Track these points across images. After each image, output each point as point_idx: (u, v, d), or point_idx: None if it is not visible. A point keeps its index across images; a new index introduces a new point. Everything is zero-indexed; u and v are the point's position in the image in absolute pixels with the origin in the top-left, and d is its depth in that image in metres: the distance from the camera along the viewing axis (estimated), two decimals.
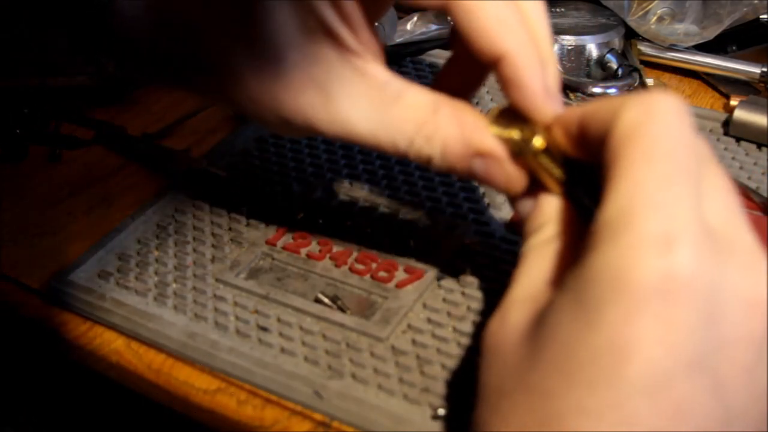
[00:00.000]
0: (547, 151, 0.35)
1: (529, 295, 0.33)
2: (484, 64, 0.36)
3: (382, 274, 0.45)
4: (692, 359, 0.27)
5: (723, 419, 0.28)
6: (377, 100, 0.36)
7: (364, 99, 0.36)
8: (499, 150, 0.36)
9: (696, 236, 0.27)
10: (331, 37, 0.36)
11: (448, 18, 0.65)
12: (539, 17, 0.37)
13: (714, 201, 0.30)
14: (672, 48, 0.64)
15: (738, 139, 0.55)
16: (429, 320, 0.42)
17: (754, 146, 0.55)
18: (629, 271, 0.27)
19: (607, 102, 0.32)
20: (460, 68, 0.41)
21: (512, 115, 0.36)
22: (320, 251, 0.47)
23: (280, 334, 0.42)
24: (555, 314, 0.29)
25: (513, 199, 0.37)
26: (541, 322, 0.30)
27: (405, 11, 0.68)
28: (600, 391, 0.27)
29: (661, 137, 0.29)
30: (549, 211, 0.35)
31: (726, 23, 0.62)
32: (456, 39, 0.39)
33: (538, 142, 0.35)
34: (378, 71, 0.37)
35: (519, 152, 0.36)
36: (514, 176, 0.36)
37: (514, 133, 0.35)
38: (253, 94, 0.38)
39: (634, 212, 0.28)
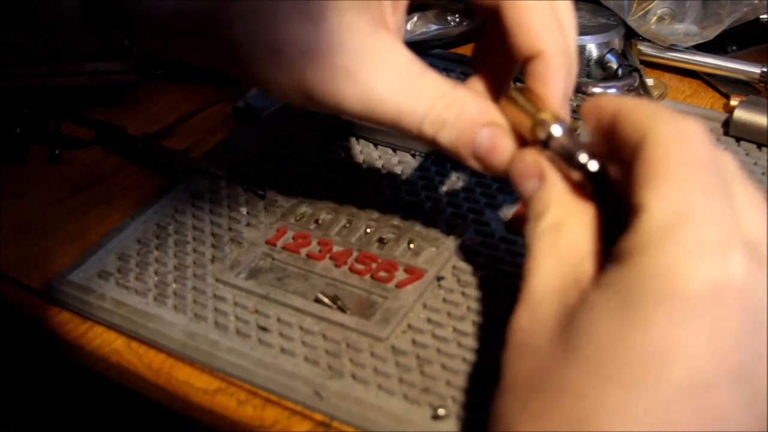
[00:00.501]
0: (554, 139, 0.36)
1: (553, 287, 0.32)
2: (510, 67, 0.40)
3: (382, 274, 0.45)
4: (735, 368, 0.27)
5: (756, 428, 0.28)
6: (404, 72, 0.38)
7: (392, 72, 0.38)
8: (506, 124, 0.38)
9: (744, 246, 0.28)
10: (373, 9, 0.38)
11: (449, 18, 0.65)
12: (571, 25, 0.40)
13: (748, 214, 0.30)
14: (672, 48, 0.64)
15: (738, 139, 0.55)
16: (429, 320, 0.42)
17: (754, 146, 0.55)
18: (682, 277, 0.27)
19: (642, 109, 0.32)
20: (487, 68, 0.43)
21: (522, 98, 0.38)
22: (320, 251, 0.47)
23: (280, 334, 0.42)
24: (593, 313, 0.29)
25: (518, 180, 0.37)
26: (574, 319, 0.30)
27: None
28: (639, 393, 0.27)
29: (696, 153, 0.30)
30: (553, 193, 0.35)
31: (726, 23, 0.62)
32: (488, 36, 0.42)
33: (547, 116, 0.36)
34: (405, 49, 0.39)
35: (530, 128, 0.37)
36: (512, 150, 0.38)
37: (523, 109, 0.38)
38: (282, 61, 0.38)
39: (687, 219, 0.28)
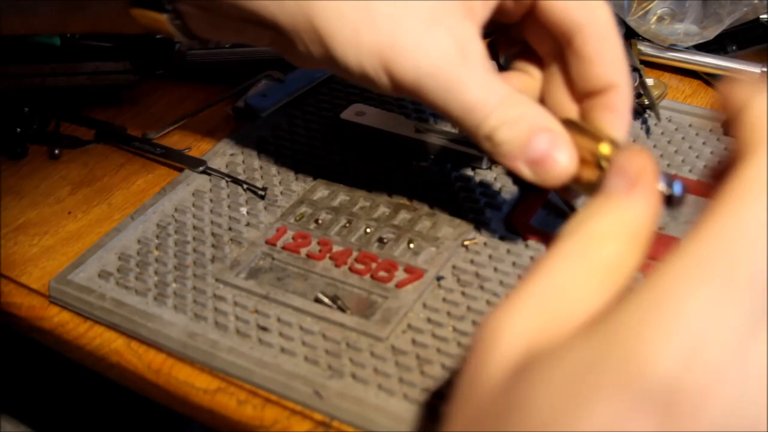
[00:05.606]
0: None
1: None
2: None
3: (382, 274, 0.45)
4: None
5: None
6: (485, 66, 0.39)
7: (477, 65, 0.39)
8: (567, 134, 0.39)
9: None
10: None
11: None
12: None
13: None
14: (672, 48, 0.64)
15: None
16: (429, 320, 0.42)
17: None
18: None
19: (737, 90, 0.31)
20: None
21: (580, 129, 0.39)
22: (320, 251, 0.47)
23: (280, 334, 0.42)
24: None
25: (614, 173, 0.35)
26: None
27: None
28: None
29: None
30: (636, 215, 0.29)
31: (726, 23, 0.62)
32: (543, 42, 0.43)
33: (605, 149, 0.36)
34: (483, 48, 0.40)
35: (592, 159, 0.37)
36: (574, 160, 0.38)
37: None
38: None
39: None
